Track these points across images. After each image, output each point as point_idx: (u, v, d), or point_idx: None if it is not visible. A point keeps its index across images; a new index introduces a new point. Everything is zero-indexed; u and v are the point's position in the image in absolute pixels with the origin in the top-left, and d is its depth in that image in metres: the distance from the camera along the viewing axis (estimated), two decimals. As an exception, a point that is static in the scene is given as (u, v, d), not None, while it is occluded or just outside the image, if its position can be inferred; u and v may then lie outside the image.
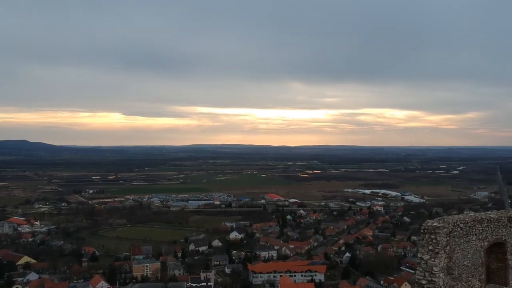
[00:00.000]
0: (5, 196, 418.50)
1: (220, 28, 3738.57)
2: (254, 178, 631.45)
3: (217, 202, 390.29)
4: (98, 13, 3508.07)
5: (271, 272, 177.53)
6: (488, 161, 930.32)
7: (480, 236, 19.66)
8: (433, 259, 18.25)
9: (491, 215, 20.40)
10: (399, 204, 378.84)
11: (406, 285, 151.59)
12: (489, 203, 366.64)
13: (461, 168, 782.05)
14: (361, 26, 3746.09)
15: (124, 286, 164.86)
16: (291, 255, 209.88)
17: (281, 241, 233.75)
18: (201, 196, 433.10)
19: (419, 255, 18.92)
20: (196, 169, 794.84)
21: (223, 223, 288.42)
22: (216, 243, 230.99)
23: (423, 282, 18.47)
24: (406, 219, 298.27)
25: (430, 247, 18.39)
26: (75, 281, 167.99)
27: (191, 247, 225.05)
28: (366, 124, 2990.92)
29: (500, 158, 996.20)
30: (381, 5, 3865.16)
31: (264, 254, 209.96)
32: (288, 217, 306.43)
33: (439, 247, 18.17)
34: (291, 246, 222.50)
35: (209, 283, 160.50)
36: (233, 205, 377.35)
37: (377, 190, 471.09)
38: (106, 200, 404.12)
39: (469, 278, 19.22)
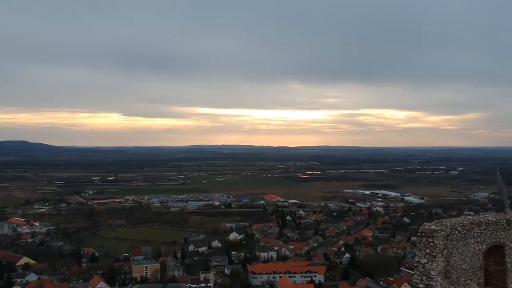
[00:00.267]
0: (5, 197, 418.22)
1: (220, 28, 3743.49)
2: (253, 179, 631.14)
3: (217, 203, 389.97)
4: (98, 13, 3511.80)
5: (271, 273, 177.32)
6: (488, 162, 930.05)
7: (479, 239, 19.48)
8: (430, 263, 18.07)
9: (490, 218, 20.22)
10: (398, 205, 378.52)
11: (405, 286, 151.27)
12: (489, 204, 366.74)
13: (461, 168, 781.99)
14: (361, 26, 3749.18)
15: (124, 287, 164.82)
16: (291, 256, 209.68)
17: (281, 242, 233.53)
18: (200, 197, 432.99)
19: (416, 259, 18.74)
20: (195, 169, 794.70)
21: (222, 224, 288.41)
22: (216, 243, 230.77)
23: (421, 286, 18.28)
24: (406, 219, 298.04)
25: (427, 251, 18.21)
26: (74, 282, 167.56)
27: (191, 248, 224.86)
28: (366, 124, 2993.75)
29: (500, 159, 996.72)
30: (381, 5, 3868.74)
31: (263, 255, 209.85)
32: (288, 217, 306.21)
33: (437, 251, 18.00)
34: (291, 247, 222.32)
35: (208, 284, 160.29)
36: (232, 205, 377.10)
37: (377, 191, 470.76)
38: (105, 200, 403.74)
39: (467, 282, 19.05)
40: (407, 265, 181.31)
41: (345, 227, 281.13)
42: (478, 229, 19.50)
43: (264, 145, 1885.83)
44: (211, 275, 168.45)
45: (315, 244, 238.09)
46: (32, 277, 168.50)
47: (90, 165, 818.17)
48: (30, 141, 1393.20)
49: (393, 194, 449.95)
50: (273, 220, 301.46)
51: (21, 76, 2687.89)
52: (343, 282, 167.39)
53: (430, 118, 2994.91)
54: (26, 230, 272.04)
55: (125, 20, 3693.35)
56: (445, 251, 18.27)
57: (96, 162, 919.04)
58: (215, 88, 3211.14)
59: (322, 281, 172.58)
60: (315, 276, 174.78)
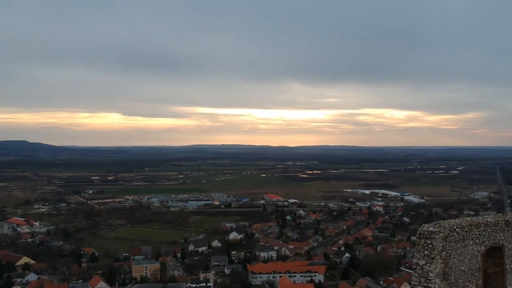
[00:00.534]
0: (5, 197, 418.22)
1: (220, 28, 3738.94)
2: (253, 179, 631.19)
3: (217, 203, 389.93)
4: (98, 13, 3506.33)
5: (271, 273, 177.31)
6: (487, 161, 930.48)
7: (477, 240, 19.42)
8: (429, 265, 18.01)
9: (488, 219, 20.16)
10: (398, 204, 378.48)
11: (405, 285, 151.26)
12: (489, 203, 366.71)
13: (460, 168, 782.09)
14: (361, 26, 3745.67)
15: (124, 286, 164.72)
16: (291, 255, 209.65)
17: (281, 242, 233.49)
18: (200, 197, 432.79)
19: (414, 261, 18.68)
20: (195, 169, 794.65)
21: (222, 224, 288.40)
22: (216, 243, 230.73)
23: (419, 288, 18.25)
24: (405, 219, 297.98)
25: (425, 252, 18.15)
26: (74, 281, 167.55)
27: (191, 247, 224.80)
28: (365, 124, 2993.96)
29: (499, 158, 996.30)
30: (381, 5, 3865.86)
31: (263, 254, 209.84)
32: (288, 217, 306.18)
33: (435, 252, 17.93)
34: (291, 247, 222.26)
35: (208, 284, 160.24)
36: (232, 205, 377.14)
37: (377, 190, 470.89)
38: (105, 200, 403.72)
39: (466, 284, 18.99)
40: (407, 264, 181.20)
41: (345, 227, 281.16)
42: (476, 230, 19.44)
43: (264, 144, 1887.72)
44: (211, 275, 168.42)
45: (315, 244, 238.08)
46: (32, 277, 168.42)
47: (90, 165, 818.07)
48: (30, 141, 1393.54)
49: (393, 193, 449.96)
50: (273, 219, 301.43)
51: (21, 76, 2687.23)
52: (343, 281, 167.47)
53: (430, 117, 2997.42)
54: (26, 230, 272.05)
55: (125, 20, 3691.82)
56: (444, 252, 18.21)
57: (96, 162, 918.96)
58: (215, 88, 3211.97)
59: (322, 280, 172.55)
60: (315, 275, 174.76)
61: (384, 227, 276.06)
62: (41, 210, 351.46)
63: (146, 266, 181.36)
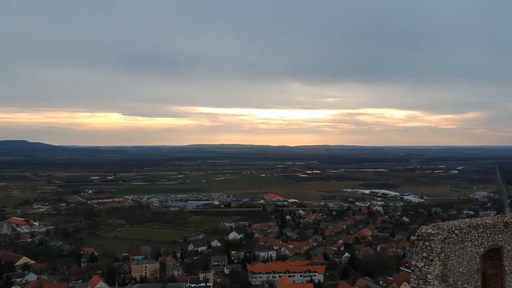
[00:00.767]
0: (4, 197, 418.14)
1: (220, 28, 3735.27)
2: (253, 178, 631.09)
3: (216, 202, 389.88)
4: (98, 13, 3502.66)
5: (270, 273, 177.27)
6: (487, 161, 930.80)
7: (476, 242, 19.35)
8: (427, 267, 17.96)
9: (487, 221, 20.09)
10: (398, 204, 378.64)
11: (405, 285, 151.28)
12: (488, 203, 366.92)
13: (460, 168, 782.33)
14: (361, 26, 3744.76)
15: (123, 286, 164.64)
16: (290, 255, 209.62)
17: (280, 241, 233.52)
18: (200, 196, 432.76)
19: (413, 263, 18.62)
20: (195, 169, 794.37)
21: (222, 223, 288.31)
22: (215, 243, 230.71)
23: (418, 289, 18.19)
24: (405, 219, 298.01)
25: (424, 254, 18.09)
26: (74, 281, 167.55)
27: (190, 247, 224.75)
28: (365, 124, 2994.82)
29: (499, 158, 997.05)
30: (381, 5, 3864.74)
31: (263, 254, 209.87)
32: (287, 217, 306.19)
33: (434, 254, 17.88)
34: (290, 246, 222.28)
35: (208, 284, 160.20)
36: (232, 205, 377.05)
37: (377, 190, 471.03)
38: (105, 200, 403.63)
39: (465, 285, 18.93)
40: (406, 264, 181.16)
41: (344, 227, 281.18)
42: (475, 232, 19.37)
43: (264, 144, 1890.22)
44: (210, 275, 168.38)
45: (315, 244, 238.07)
46: (31, 277, 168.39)
47: (90, 165, 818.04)
48: (30, 141, 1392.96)
49: (393, 193, 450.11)
50: (273, 219, 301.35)
51: (21, 76, 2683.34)
52: (343, 281, 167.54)
53: (430, 117, 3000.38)
54: (26, 230, 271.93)
55: (125, 20, 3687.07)
56: (442, 254, 18.16)
57: (95, 161, 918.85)
58: (215, 88, 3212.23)
59: (322, 280, 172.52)
60: (314, 275, 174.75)
61: (383, 227, 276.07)
62: (41, 210, 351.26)
63: (145, 266, 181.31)
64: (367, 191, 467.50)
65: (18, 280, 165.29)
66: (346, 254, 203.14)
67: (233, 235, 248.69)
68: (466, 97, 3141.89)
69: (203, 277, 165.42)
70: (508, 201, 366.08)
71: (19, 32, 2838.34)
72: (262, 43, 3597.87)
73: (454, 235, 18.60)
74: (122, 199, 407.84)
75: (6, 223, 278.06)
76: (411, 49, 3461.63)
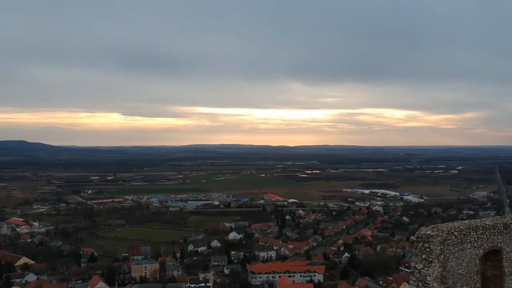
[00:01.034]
0: (4, 197, 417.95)
1: (220, 28, 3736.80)
2: (253, 178, 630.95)
3: (216, 203, 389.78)
4: (98, 13, 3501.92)
5: (270, 273, 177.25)
6: (487, 161, 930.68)
7: (475, 243, 19.29)
8: (426, 268, 17.91)
9: (486, 222, 20.04)
10: (398, 204, 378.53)
11: (405, 285, 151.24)
12: (488, 203, 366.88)
13: (460, 168, 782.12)
14: (361, 26, 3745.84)
15: (123, 287, 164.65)
16: (290, 255, 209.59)
17: (280, 242, 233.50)
18: (200, 197, 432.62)
19: (412, 264, 18.58)
20: (195, 169, 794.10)
21: (222, 224, 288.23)
22: (215, 243, 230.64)
23: (417, 291, 18.15)
24: (405, 219, 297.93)
25: (423, 256, 18.05)
26: (73, 282, 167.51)
27: (190, 247, 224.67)
28: (365, 124, 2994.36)
29: (499, 158, 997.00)
30: (381, 5, 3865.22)
31: (263, 254, 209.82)
32: (287, 217, 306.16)
33: (433, 256, 17.83)
34: (290, 247, 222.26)
35: (208, 284, 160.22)
36: (232, 205, 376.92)
37: (376, 190, 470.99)
38: (105, 200, 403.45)
39: (464, 287, 18.92)
40: (406, 264, 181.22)
41: (344, 227, 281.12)
42: (475, 233, 19.31)
43: (264, 144, 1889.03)
44: (210, 275, 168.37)
45: (315, 244, 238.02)
46: (31, 277, 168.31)
47: (89, 165, 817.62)
48: (29, 141, 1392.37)
49: (393, 193, 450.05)
50: (273, 219, 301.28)
51: (20, 76, 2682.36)
52: (343, 281, 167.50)
53: (430, 117, 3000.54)
54: (25, 230, 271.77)
55: (125, 20, 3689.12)
56: (442, 256, 18.11)
57: (95, 161, 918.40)
58: (215, 88, 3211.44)
59: (322, 280, 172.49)
60: (314, 275, 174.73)
61: (383, 227, 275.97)
62: (40, 210, 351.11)
63: (145, 266, 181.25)
64: (367, 191, 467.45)
65: (17, 280, 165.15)
66: (346, 254, 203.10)
67: (233, 235, 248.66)
68: (466, 97, 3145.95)
69: (203, 277, 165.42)
70: (508, 201, 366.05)
71: (19, 32, 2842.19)
72: (262, 43, 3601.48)
73: (453, 237, 18.55)
74: (122, 199, 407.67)
75: (5, 223, 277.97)
76: (411, 49, 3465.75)
